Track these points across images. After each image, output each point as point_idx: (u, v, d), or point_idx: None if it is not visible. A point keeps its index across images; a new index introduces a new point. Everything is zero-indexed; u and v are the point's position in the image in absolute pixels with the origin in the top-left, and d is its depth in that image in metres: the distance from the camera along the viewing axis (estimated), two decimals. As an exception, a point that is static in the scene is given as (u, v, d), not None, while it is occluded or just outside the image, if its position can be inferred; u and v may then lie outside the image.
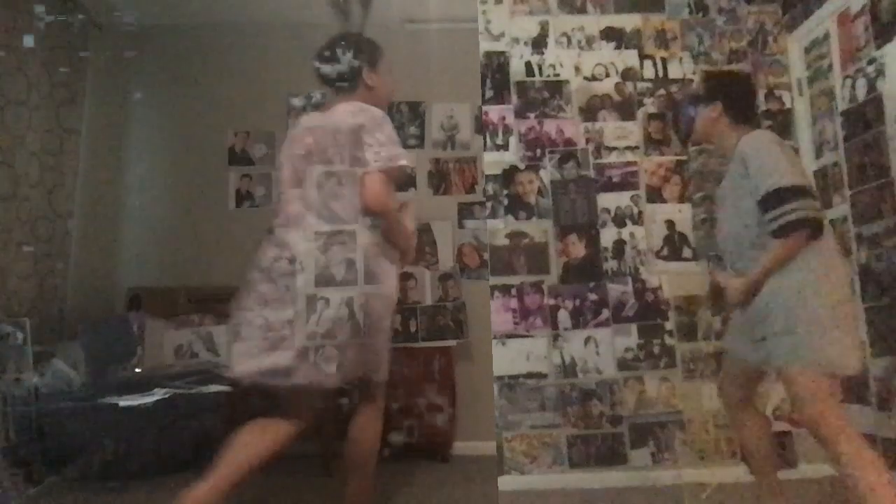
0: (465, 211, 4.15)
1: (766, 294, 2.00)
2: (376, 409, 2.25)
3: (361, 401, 2.26)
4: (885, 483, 1.74)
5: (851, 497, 1.82)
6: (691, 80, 3.28)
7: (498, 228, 3.18)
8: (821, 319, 1.90)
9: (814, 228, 1.94)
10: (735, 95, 2.25)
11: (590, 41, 3.33)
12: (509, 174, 3.22)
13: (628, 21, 3.34)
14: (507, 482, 2.94)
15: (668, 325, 3.09)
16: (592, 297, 3.12)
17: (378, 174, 2.04)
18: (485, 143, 3.27)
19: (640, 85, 3.30)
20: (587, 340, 3.08)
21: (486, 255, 3.44)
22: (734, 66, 3.29)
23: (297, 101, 4.31)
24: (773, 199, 1.95)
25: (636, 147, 3.24)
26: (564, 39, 3.33)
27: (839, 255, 2.06)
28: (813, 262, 1.95)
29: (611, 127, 3.25)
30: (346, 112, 2.11)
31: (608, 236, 3.17)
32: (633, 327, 3.09)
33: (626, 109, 3.27)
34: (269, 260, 2.19)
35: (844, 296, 1.99)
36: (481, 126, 3.38)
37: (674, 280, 3.12)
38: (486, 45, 3.32)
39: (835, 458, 1.84)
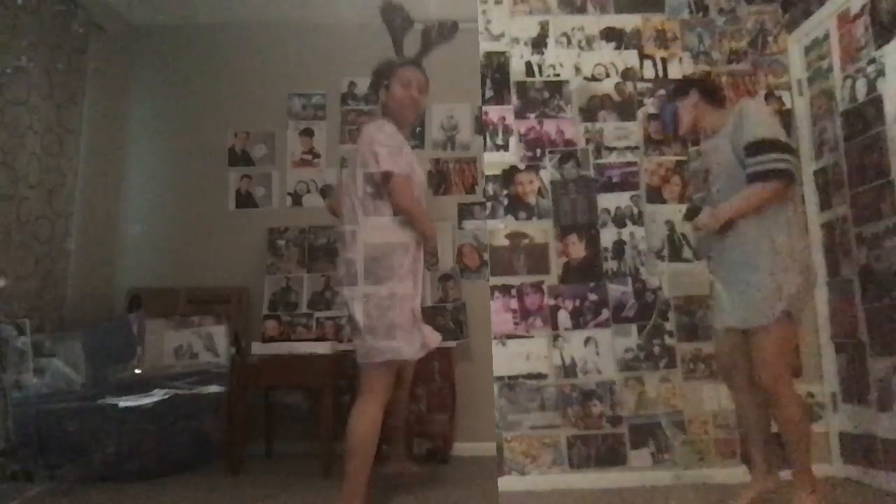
0: (465, 211, 4.15)
1: (743, 252, 2.30)
2: (365, 399, 2.39)
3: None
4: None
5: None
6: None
7: (498, 229, 3.18)
8: (788, 268, 2.24)
9: (788, 181, 2.24)
10: (704, 83, 2.67)
11: (590, 41, 3.33)
12: (509, 174, 3.22)
13: (628, 21, 3.34)
14: (507, 482, 2.94)
15: (668, 325, 3.09)
16: (592, 297, 3.12)
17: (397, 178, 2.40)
18: (485, 143, 3.27)
19: (640, 85, 3.30)
20: (587, 341, 3.08)
21: (486, 256, 3.44)
22: (734, 67, 3.30)
23: (297, 101, 4.31)
24: (758, 147, 2.23)
25: (636, 147, 3.24)
26: (564, 39, 3.33)
27: (801, 212, 2.50)
28: (781, 218, 2.27)
29: (611, 127, 3.26)
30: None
31: (608, 236, 3.17)
32: (633, 327, 3.09)
33: (626, 109, 3.27)
34: None
35: (804, 245, 2.35)
36: (481, 126, 3.38)
37: (674, 280, 3.12)
38: (486, 45, 3.33)
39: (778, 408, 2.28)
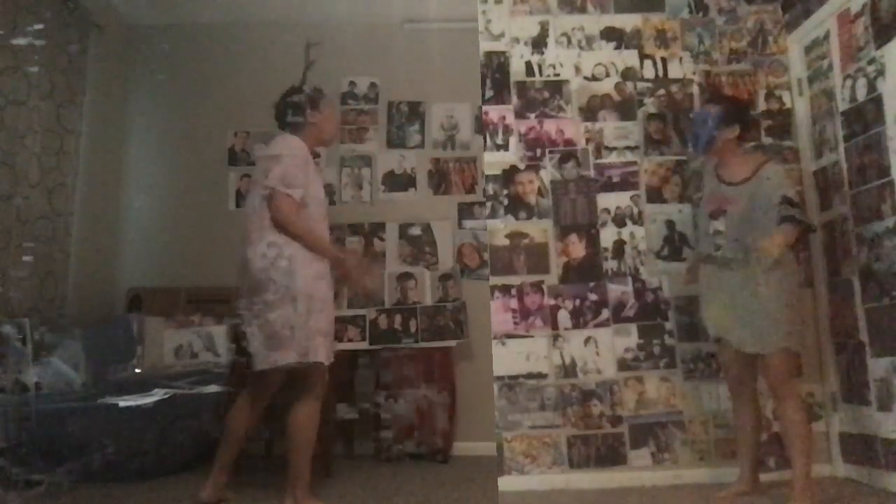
0: (465, 211, 4.15)
1: (753, 288, 2.54)
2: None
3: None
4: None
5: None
6: (691, 80, 3.29)
7: (498, 228, 3.18)
8: (790, 312, 2.53)
9: (807, 230, 2.62)
10: (747, 122, 2.77)
11: (590, 41, 3.33)
12: (509, 174, 3.22)
13: (628, 21, 3.34)
14: (507, 482, 2.93)
15: (669, 325, 3.09)
16: (592, 297, 3.12)
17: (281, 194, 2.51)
18: (485, 143, 3.27)
19: (640, 85, 3.30)
20: (587, 340, 3.08)
21: (486, 255, 3.44)
22: (734, 67, 3.30)
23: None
24: (789, 201, 2.52)
25: (636, 147, 3.24)
26: (564, 39, 3.33)
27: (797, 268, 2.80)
28: (788, 268, 2.59)
29: (611, 127, 3.25)
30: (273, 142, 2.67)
31: (608, 236, 3.17)
32: (633, 327, 3.09)
33: (626, 109, 3.27)
34: None
35: (799, 292, 2.72)
36: (481, 126, 3.38)
37: (674, 280, 3.12)
38: (486, 45, 3.32)
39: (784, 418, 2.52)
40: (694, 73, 3.30)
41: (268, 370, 2.52)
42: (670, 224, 3.17)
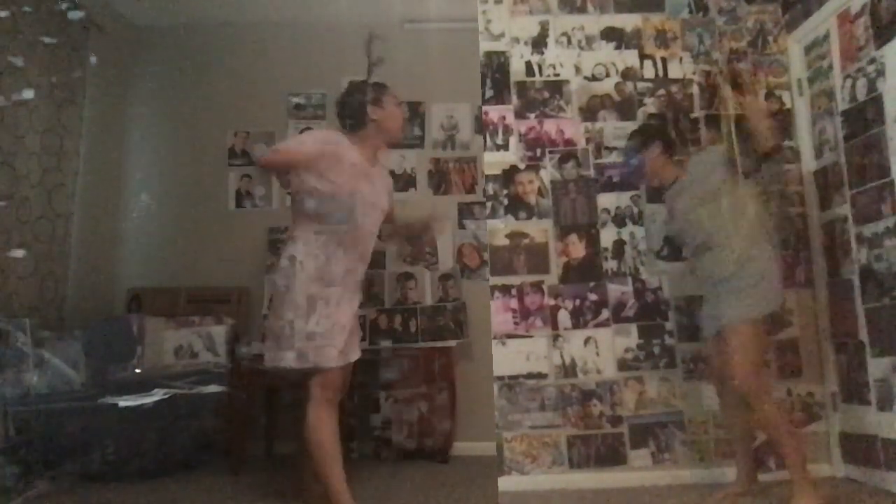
0: (465, 211, 4.15)
1: (722, 268, 2.57)
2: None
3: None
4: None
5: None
6: (691, 80, 3.29)
7: (498, 228, 3.18)
8: (757, 277, 2.51)
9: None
10: (665, 136, 2.88)
11: (590, 41, 3.33)
12: (509, 174, 3.22)
13: (628, 21, 3.34)
14: (507, 482, 2.93)
15: (669, 325, 3.09)
16: (592, 297, 3.12)
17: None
18: (485, 143, 3.27)
19: (640, 85, 3.30)
20: (587, 340, 3.08)
21: (486, 255, 3.44)
22: (734, 66, 3.30)
23: (297, 101, 4.31)
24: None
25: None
26: (564, 39, 3.33)
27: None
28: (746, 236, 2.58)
29: (611, 127, 3.25)
30: None
31: (608, 236, 3.17)
32: (633, 327, 3.09)
33: (626, 109, 3.27)
34: None
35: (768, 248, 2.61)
36: (481, 126, 3.38)
37: (674, 280, 3.12)
38: (486, 45, 3.32)
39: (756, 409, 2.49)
40: (694, 73, 3.30)
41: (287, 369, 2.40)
42: (670, 224, 3.17)
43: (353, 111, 2.56)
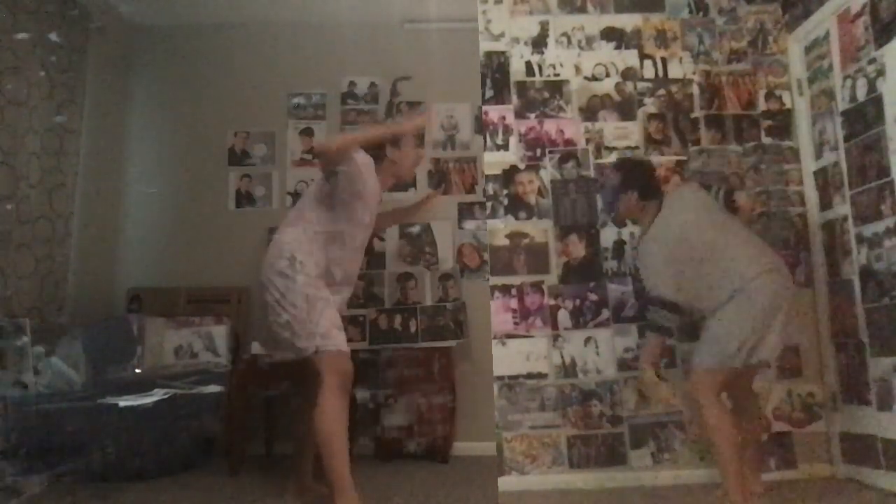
0: (465, 211, 4.15)
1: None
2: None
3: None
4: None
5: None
6: (691, 80, 3.29)
7: (498, 228, 3.18)
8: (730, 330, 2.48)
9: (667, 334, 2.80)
10: (645, 185, 2.75)
11: (590, 41, 3.33)
12: (509, 174, 3.22)
13: (628, 21, 3.34)
14: (507, 482, 2.94)
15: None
16: (592, 297, 3.12)
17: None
18: (485, 143, 3.27)
19: (640, 85, 3.30)
20: (587, 340, 3.08)
21: (486, 255, 3.44)
22: (734, 67, 3.30)
23: (297, 101, 4.31)
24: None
25: (636, 147, 3.24)
26: (564, 39, 3.33)
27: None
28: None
29: (611, 127, 3.26)
30: None
31: (608, 236, 3.17)
32: (633, 327, 3.09)
33: (626, 109, 3.27)
34: None
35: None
36: (481, 126, 3.38)
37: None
38: (486, 45, 3.32)
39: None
40: (694, 73, 3.30)
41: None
42: (670, 224, 3.17)
43: (373, 147, 2.64)
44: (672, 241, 2.60)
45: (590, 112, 3.27)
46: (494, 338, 3.09)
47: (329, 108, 4.31)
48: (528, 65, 3.30)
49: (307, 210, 2.59)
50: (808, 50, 3.21)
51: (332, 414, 2.36)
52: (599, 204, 3.19)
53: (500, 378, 3.05)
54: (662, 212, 2.67)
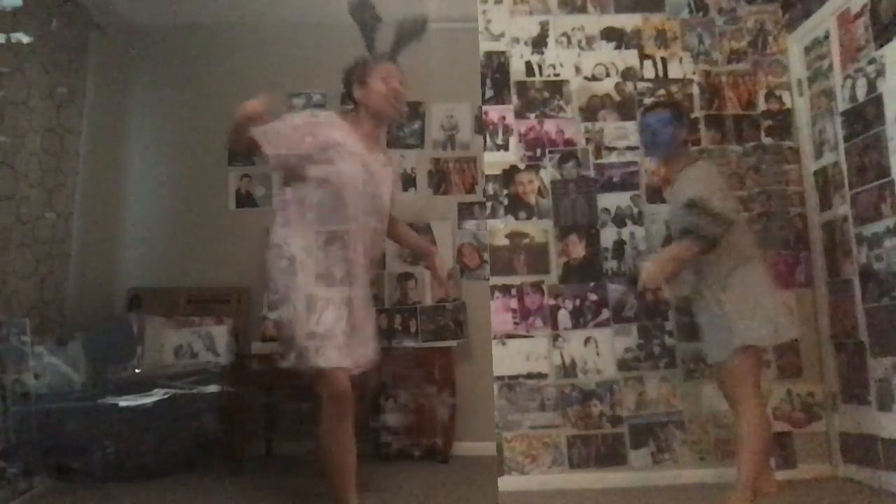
0: (465, 211, 4.15)
1: (716, 294, 2.50)
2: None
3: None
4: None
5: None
6: (691, 80, 3.29)
7: (498, 228, 3.18)
8: (747, 316, 2.42)
9: (702, 244, 2.38)
10: (687, 122, 2.73)
11: (590, 41, 3.33)
12: (509, 174, 3.22)
13: (628, 21, 3.34)
14: (507, 482, 2.94)
15: (669, 325, 3.09)
16: (592, 297, 3.12)
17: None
18: (485, 143, 3.27)
19: (640, 85, 3.30)
20: (587, 340, 3.08)
21: (486, 255, 3.44)
22: (734, 67, 3.30)
23: (297, 101, 4.31)
24: (693, 204, 2.39)
25: (636, 147, 3.23)
26: (564, 39, 3.33)
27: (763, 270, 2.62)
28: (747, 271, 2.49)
29: (611, 127, 3.26)
30: None
31: (608, 236, 3.17)
32: (633, 327, 3.09)
33: (626, 109, 3.27)
34: None
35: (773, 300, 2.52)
36: (481, 126, 3.38)
37: (674, 280, 3.11)
38: (486, 45, 3.32)
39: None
40: (694, 73, 3.30)
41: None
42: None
43: (345, 95, 2.48)
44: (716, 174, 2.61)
45: (590, 112, 3.27)
46: (494, 338, 3.09)
47: (329, 108, 4.30)
48: (528, 65, 3.30)
49: (295, 209, 2.42)
50: (808, 50, 3.21)
51: (325, 433, 2.28)
52: (599, 204, 3.19)
53: (500, 378, 3.05)
54: (686, 170, 2.59)
